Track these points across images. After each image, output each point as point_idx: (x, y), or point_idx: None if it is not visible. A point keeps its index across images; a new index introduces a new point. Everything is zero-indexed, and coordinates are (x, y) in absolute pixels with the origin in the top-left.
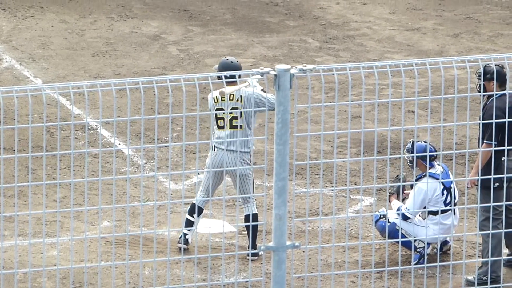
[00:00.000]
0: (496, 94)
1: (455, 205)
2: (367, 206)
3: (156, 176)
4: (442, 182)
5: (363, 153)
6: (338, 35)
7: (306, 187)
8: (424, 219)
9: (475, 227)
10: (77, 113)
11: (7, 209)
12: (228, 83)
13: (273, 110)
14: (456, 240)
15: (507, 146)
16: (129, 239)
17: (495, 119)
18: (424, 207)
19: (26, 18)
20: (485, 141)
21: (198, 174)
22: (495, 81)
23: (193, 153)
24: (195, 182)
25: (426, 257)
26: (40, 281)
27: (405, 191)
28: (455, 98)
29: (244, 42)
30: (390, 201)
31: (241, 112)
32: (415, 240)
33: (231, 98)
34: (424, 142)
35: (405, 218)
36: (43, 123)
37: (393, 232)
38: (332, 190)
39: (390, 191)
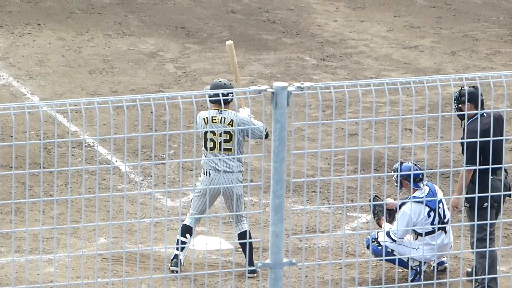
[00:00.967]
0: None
1: (446, 223)
2: (364, 223)
3: (153, 193)
4: (427, 204)
5: (360, 170)
6: (335, 52)
7: (303, 204)
8: (416, 239)
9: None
10: (74, 130)
11: (4, 226)
12: (224, 104)
13: (261, 138)
14: (453, 258)
15: (492, 165)
16: (126, 256)
17: (469, 142)
18: (413, 230)
19: (23, 35)
20: (464, 165)
21: (196, 190)
22: (466, 103)
23: (190, 170)
24: (191, 199)
25: (423, 274)
26: None
27: (387, 208)
28: (452, 116)
29: (241, 59)
30: (380, 226)
31: (231, 136)
32: (409, 259)
33: (222, 121)
34: (412, 163)
35: (395, 240)
36: (40, 140)
37: (387, 255)
38: (329, 207)
39: (375, 218)
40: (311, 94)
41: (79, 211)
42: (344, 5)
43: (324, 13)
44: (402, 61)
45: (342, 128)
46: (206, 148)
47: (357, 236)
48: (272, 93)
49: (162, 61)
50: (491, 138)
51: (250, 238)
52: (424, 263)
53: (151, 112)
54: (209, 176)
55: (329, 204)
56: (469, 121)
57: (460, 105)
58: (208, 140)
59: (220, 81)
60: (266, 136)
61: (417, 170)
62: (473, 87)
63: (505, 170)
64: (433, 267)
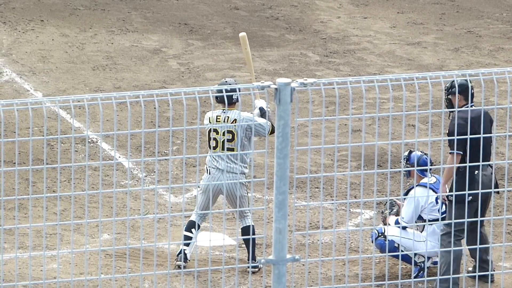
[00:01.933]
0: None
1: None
2: (367, 219)
3: (156, 189)
4: (434, 191)
5: (364, 166)
6: (338, 49)
7: (306, 201)
8: (421, 231)
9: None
10: (77, 126)
11: (7, 222)
12: (229, 104)
13: (264, 136)
14: None
15: (477, 159)
16: (129, 252)
17: (458, 127)
18: (420, 216)
19: (27, 32)
20: (449, 152)
21: (198, 187)
22: (457, 95)
23: (193, 166)
24: (195, 195)
25: (426, 270)
26: None
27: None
28: (455, 112)
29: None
30: (385, 223)
31: (234, 135)
32: (415, 255)
33: (226, 121)
34: (422, 152)
35: (404, 228)
36: (43, 136)
37: (392, 250)
38: (332, 203)
39: (383, 215)
40: (315, 90)
41: (82, 207)
42: (347, 2)
43: (327, 10)
44: (405, 57)
45: (345, 124)
46: (209, 147)
47: (361, 232)
48: (276, 89)
49: (165, 58)
50: (482, 136)
51: (253, 233)
52: (428, 259)
53: (154, 108)
54: (210, 174)
55: (332, 200)
56: (459, 111)
57: (450, 96)
58: (212, 139)
59: (226, 81)
60: (272, 132)
61: (426, 159)
62: (465, 79)
63: (491, 166)
64: (436, 262)
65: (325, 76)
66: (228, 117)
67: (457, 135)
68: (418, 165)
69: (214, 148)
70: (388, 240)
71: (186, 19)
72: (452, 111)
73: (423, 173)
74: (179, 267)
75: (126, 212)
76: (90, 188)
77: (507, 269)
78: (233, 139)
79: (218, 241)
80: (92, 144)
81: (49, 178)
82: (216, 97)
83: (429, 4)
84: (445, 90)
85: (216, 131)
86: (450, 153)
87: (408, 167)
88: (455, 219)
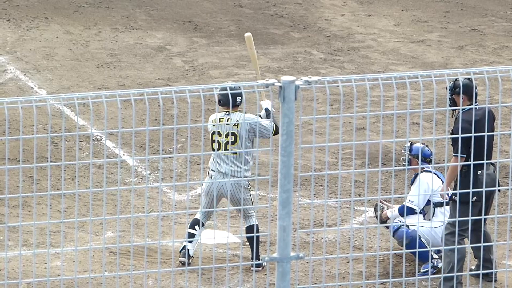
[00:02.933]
0: (464, 108)
1: None
2: (371, 217)
3: (161, 187)
4: (440, 178)
5: (368, 164)
6: (342, 47)
7: (310, 198)
8: (429, 219)
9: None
10: (82, 124)
11: (11, 220)
12: (232, 106)
13: (268, 137)
14: None
15: (481, 159)
16: (133, 250)
17: (462, 131)
18: (429, 201)
19: (31, 29)
20: (453, 154)
21: (202, 185)
22: (461, 95)
23: (198, 164)
24: (199, 193)
25: (430, 269)
26: None
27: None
28: (460, 110)
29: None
30: (383, 219)
31: (236, 138)
32: (431, 252)
33: (228, 123)
34: (424, 145)
35: (410, 213)
36: (47, 133)
37: (413, 240)
38: (337, 201)
39: (376, 213)
40: (319, 88)
41: (86, 205)
42: (352, 0)
43: (331, 8)
44: (410, 55)
45: (349, 122)
46: (212, 149)
47: (365, 230)
48: (280, 87)
49: (169, 55)
50: (486, 134)
51: (258, 232)
52: (438, 251)
53: (159, 106)
54: (211, 178)
55: (337, 198)
56: (463, 111)
57: (454, 96)
58: (215, 141)
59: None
60: (277, 133)
61: (428, 150)
62: (468, 79)
63: (493, 164)
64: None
65: (330, 74)
66: (231, 119)
67: (461, 139)
68: (419, 156)
69: (217, 150)
70: (411, 230)
71: (191, 17)
72: (456, 110)
73: (425, 165)
74: (182, 263)
75: (130, 210)
76: (94, 186)
77: (511, 267)
78: (236, 141)
79: (222, 239)
80: (96, 142)
81: (53, 176)
82: (219, 100)
83: (433, 2)
84: (449, 90)
85: (219, 133)
86: (454, 155)
87: (410, 158)
88: (460, 218)
